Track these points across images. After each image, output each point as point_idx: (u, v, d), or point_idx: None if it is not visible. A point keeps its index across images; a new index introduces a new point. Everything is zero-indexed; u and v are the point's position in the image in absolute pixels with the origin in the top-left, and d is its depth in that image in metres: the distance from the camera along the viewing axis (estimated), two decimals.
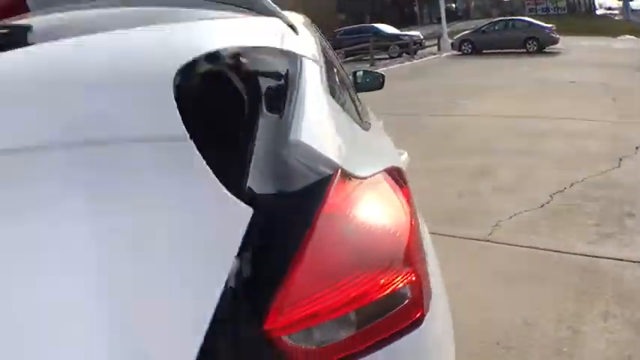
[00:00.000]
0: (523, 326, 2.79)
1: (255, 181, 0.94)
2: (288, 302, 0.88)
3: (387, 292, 0.94)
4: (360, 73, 3.39)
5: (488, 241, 3.93)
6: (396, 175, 1.17)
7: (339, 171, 1.01)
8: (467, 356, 2.43)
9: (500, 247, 3.83)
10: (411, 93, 12.02)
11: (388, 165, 1.22)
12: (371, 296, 0.92)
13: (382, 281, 0.93)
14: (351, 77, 3.12)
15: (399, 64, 20.29)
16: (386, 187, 1.10)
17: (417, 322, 0.98)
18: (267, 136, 1.02)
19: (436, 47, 25.45)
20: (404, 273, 0.96)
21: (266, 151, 1.00)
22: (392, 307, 0.95)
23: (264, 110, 1.06)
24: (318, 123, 1.14)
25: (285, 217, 0.94)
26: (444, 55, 23.25)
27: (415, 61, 21.71)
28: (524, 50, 21.58)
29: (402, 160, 2.17)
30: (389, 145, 1.87)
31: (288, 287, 0.89)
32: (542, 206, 4.59)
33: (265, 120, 1.04)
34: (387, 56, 23.50)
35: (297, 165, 1.01)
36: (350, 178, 1.03)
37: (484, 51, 22.06)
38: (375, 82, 3.39)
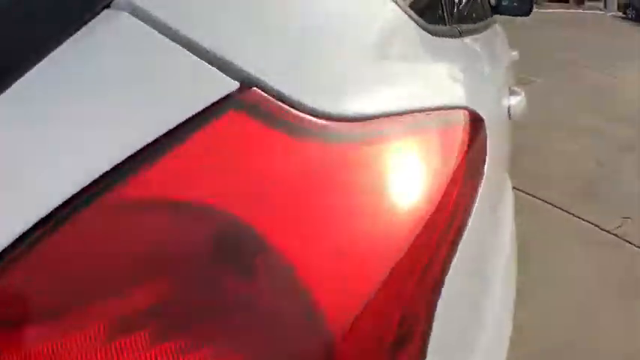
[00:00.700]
0: None
1: None
2: None
3: None
4: None
5: (614, 234, 2.98)
6: (450, 127, 0.61)
7: (252, 91, 0.40)
8: None
9: (625, 247, 2.87)
10: (566, 40, 10.66)
11: (448, 102, 0.65)
12: None
13: None
14: None
15: (563, 10, 18.44)
16: (390, 147, 0.49)
17: None
18: None
19: (602, 3, 23.26)
20: None
21: None
22: None
23: None
24: None
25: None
26: (609, 14, 20.95)
27: (578, 10, 19.84)
28: None
29: (506, 102, 1.40)
30: (490, 74, 1.13)
31: None
32: None
33: None
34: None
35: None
36: (286, 116, 0.41)
37: None
38: (523, 7, 2.69)
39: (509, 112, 1.41)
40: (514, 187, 3.45)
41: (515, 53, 2.34)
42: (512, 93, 1.55)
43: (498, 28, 2.00)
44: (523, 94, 1.63)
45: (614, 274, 2.57)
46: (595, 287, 2.43)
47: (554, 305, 2.24)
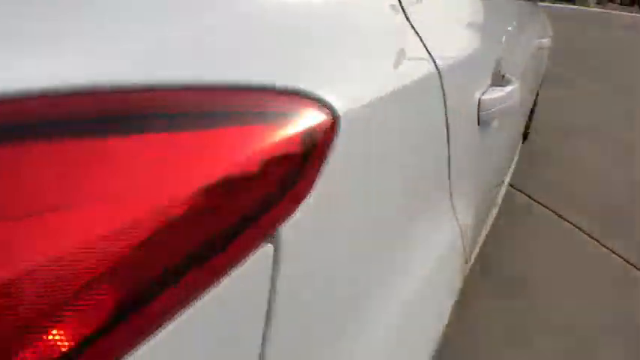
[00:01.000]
0: None
1: None
2: None
3: None
4: None
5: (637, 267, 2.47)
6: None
7: None
8: None
9: None
10: (621, 40, 10.15)
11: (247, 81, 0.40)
12: None
13: None
14: None
15: (626, 12, 17.46)
16: None
17: None
18: None
19: None
20: None
21: None
22: None
23: None
24: None
25: None
26: None
27: None
28: None
29: (477, 96, 0.98)
30: (446, 51, 0.79)
31: None
32: None
33: None
34: (619, 2, 20.75)
35: None
36: None
37: None
38: None
39: (478, 108, 0.97)
40: (543, 205, 2.96)
41: (546, 40, 1.99)
42: (500, 82, 1.10)
43: (529, 8, 1.60)
44: (517, 85, 1.16)
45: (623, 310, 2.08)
46: (621, 340, 1.95)
47: None
